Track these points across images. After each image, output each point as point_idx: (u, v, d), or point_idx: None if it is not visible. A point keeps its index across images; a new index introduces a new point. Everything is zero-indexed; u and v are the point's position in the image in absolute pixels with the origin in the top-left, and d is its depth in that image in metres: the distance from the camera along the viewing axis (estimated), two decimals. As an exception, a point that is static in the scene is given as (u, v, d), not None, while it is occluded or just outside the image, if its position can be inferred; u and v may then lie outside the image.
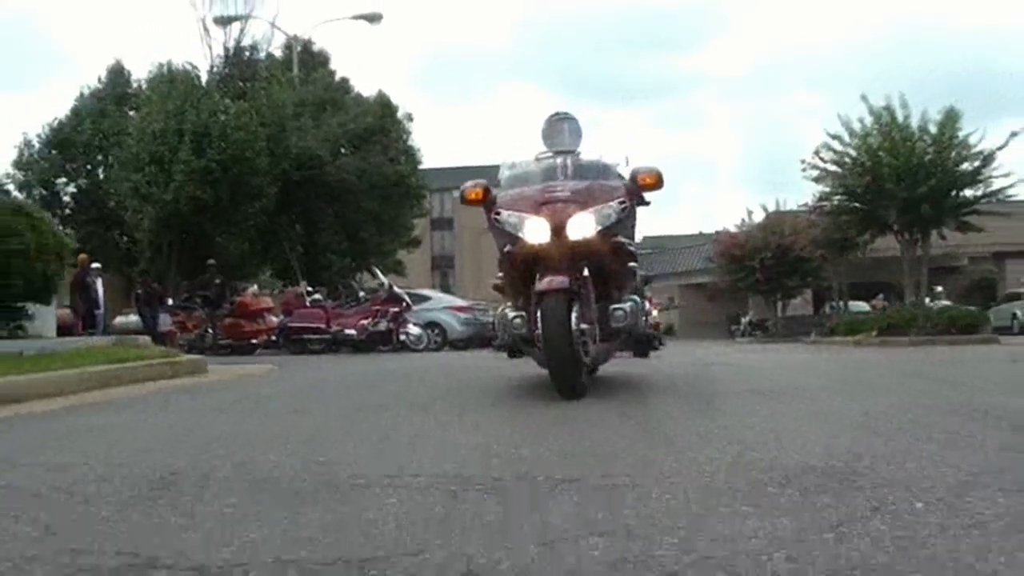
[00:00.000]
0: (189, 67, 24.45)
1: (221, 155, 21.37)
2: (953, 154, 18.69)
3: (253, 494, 2.46)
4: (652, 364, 8.29)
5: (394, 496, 2.36)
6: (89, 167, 26.32)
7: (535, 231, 5.15)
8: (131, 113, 25.70)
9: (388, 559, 1.73)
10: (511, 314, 5.40)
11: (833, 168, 20.30)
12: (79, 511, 2.31)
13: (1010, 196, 20.16)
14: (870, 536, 1.83)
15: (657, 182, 5.53)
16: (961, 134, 19.12)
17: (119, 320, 21.29)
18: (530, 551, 1.77)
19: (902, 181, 18.01)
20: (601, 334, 5.38)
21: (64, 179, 26.04)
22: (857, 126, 19.47)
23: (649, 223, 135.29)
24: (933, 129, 19.13)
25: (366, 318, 18.42)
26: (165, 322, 18.39)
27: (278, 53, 29.46)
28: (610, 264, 5.37)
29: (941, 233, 20.08)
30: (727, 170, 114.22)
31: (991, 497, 2.17)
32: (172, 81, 23.06)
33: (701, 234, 54.94)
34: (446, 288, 49.68)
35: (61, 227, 17.68)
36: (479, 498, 2.32)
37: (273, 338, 19.58)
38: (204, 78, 24.71)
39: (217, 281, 19.39)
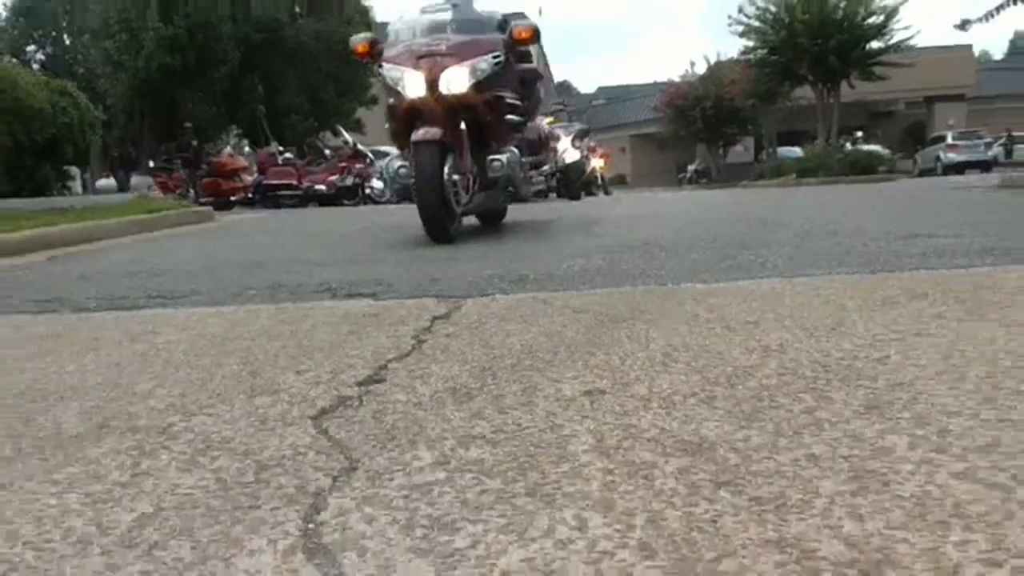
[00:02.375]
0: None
1: (186, 21, 22.64)
2: (860, 10, 20.59)
3: (313, 268, 4.64)
4: (576, 207, 10.43)
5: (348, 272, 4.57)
6: (55, 33, 27.29)
7: (412, 85, 5.37)
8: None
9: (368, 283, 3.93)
10: (396, 163, 5.65)
11: (756, 24, 22.16)
12: (220, 276, 4.48)
13: (913, 46, 22.22)
14: (637, 260, 4.06)
15: (532, 36, 5.70)
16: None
17: (101, 183, 22.95)
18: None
19: (815, 36, 20.00)
20: (481, 183, 5.69)
21: (33, 46, 27.04)
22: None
23: (608, 73, 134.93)
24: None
25: (334, 174, 20.27)
26: (140, 183, 19.98)
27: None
28: (485, 116, 5.54)
29: (850, 83, 22.20)
30: (693, 18, 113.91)
31: (701, 248, 4.42)
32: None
33: (655, 84, 55.71)
34: (404, 143, 50.99)
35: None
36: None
37: (250, 195, 21.35)
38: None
39: (193, 143, 20.97)
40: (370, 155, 20.69)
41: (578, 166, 11.00)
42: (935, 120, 40.51)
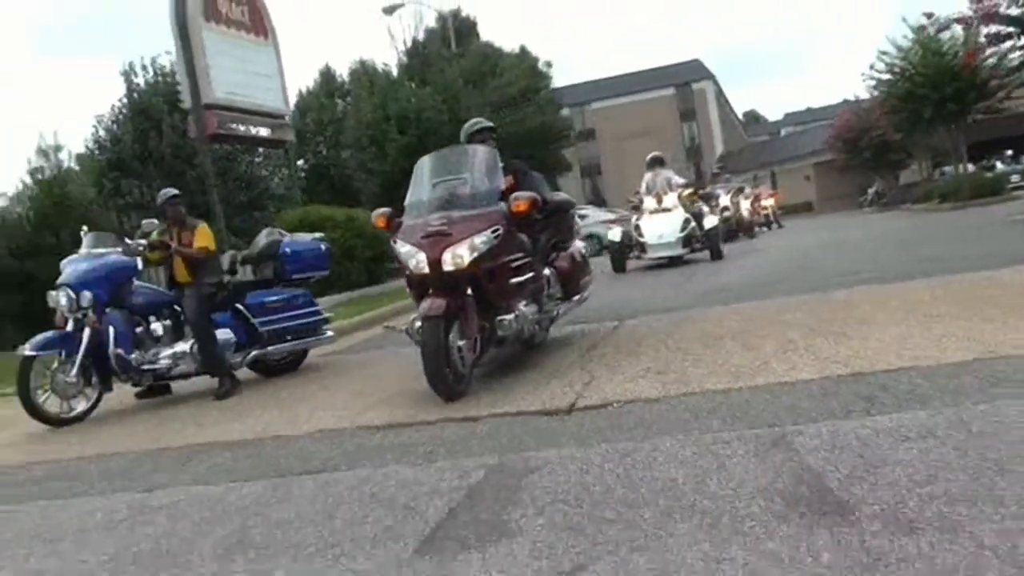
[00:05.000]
0: (383, 65, 31.97)
1: (418, 132, 28.76)
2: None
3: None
4: (714, 264, 14.78)
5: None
6: (315, 151, 34.44)
7: (418, 263, 5.71)
8: (338, 102, 33.54)
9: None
10: (417, 324, 5.68)
11: (886, 76, 25.81)
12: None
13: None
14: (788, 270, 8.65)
15: (528, 208, 5.97)
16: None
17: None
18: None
19: (933, 86, 23.47)
20: (492, 339, 5.95)
21: (301, 160, 34.27)
22: (904, 43, 25.00)
23: (794, 95, 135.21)
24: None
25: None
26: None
27: (431, 21, 36.62)
28: (488, 285, 5.79)
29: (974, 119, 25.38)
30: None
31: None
32: (372, 82, 30.56)
33: (845, 102, 56.29)
34: (596, 193, 56.59)
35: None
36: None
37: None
38: (395, 71, 32.16)
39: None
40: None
41: (717, 230, 14.56)
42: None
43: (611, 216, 29.99)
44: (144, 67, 22.14)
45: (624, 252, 14.74)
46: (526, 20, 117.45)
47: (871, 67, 26.06)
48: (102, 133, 22.29)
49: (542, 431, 4.17)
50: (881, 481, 2.68)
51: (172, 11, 14.33)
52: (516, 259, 6.13)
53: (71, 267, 7.49)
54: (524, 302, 6.17)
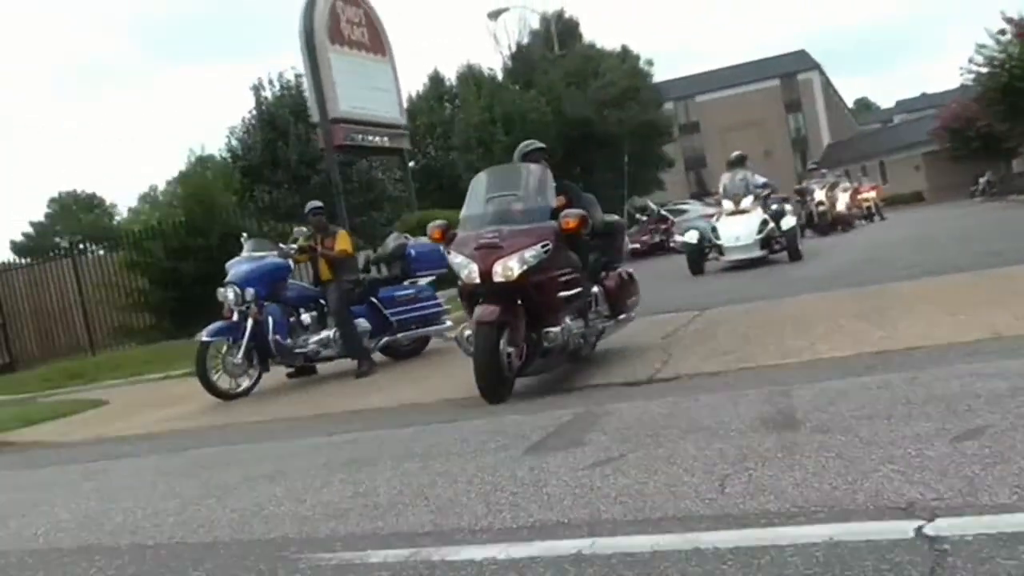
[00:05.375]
0: (488, 69, 33.48)
1: (523, 132, 30.10)
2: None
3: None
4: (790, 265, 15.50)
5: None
6: (425, 152, 36.19)
7: (470, 273, 5.98)
8: (447, 106, 35.19)
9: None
10: (467, 332, 5.96)
11: (985, 70, 25.82)
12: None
13: None
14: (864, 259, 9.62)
15: (578, 225, 6.19)
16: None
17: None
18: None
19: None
20: (538, 351, 6.09)
21: (412, 162, 36.06)
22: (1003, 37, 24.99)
23: (908, 81, 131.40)
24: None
25: (645, 235, 26.47)
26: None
27: (535, 23, 37.93)
28: (536, 297, 5.99)
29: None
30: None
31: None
32: (479, 86, 32.08)
33: (963, 87, 54.92)
34: (700, 185, 56.99)
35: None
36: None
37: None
38: (500, 75, 33.62)
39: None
40: (671, 217, 26.69)
41: (795, 231, 14.44)
42: None
43: (711, 210, 30.64)
44: (271, 81, 24.13)
45: (701, 254, 14.50)
46: (629, 15, 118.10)
47: (969, 60, 26.15)
48: (235, 143, 24.41)
49: (622, 394, 5.35)
50: (830, 411, 3.92)
51: (301, 35, 15.96)
52: (564, 274, 6.29)
53: (236, 268, 8.98)
54: (570, 316, 6.28)
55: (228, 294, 8.71)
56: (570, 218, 6.22)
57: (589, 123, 32.36)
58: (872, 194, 30.99)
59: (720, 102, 64.50)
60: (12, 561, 3.77)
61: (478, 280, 6.00)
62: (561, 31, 37.83)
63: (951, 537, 2.28)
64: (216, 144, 61.40)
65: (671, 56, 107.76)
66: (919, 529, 2.37)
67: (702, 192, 50.89)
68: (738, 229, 14.05)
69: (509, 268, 5.93)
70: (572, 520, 2.98)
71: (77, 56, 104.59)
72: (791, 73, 65.71)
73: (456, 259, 6.22)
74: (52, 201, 70.34)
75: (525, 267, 5.94)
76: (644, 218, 27.67)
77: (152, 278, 17.08)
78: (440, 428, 5.15)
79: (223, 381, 8.58)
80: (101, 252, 20.31)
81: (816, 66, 67.13)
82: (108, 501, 4.70)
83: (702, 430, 3.96)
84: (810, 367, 5.22)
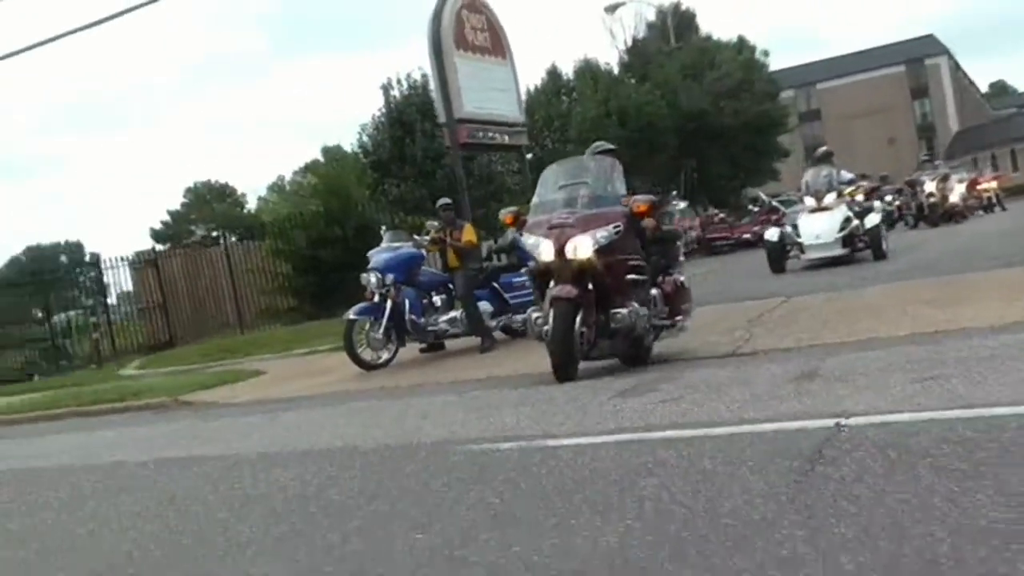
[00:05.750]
0: (605, 64, 34.41)
1: (638, 125, 30.92)
2: None
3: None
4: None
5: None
6: (543, 145, 37.34)
7: (544, 251, 6.19)
8: (564, 99, 36.27)
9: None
10: (535, 315, 6.24)
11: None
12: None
13: None
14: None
15: (648, 210, 6.40)
16: None
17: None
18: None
19: None
20: (607, 331, 6.30)
21: (530, 155, 37.33)
22: None
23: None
24: None
25: (756, 226, 26.94)
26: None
27: (651, 16, 38.57)
28: (607, 277, 6.19)
29: None
30: None
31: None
32: (595, 80, 33.03)
33: None
34: (821, 178, 56.06)
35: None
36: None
37: (693, 246, 28.82)
38: (616, 69, 34.49)
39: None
40: (782, 208, 27.08)
41: (879, 229, 13.83)
42: None
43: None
44: (399, 81, 25.75)
45: (782, 252, 14.01)
46: (748, 3, 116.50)
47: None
48: (365, 139, 26.18)
49: (701, 364, 6.41)
50: (847, 369, 5.06)
51: (430, 43, 17.29)
52: (632, 259, 6.45)
53: (377, 256, 10.34)
54: (637, 301, 6.37)
55: (371, 279, 10.06)
56: (640, 202, 6.45)
57: (705, 115, 32.88)
58: (992, 184, 30.48)
59: (842, 89, 63.37)
60: (252, 458, 5.38)
61: (552, 257, 6.23)
62: (677, 23, 38.35)
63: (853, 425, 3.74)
64: (339, 134, 63.91)
65: (792, 43, 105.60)
66: (837, 423, 3.79)
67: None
68: (819, 227, 13.62)
69: (581, 246, 6.15)
70: (636, 426, 4.43)
71: (206, 51, 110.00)
72: (918, 59, 63.96)
73: (530, 240, 6.47)
74: (187, 191, 73.44)
75: (597, 246, 6.16)
76: (756, 209, 28.10)
77: (295, 265, 18.92)
78: (546, 388, 6.28)
79: (366, 354, 9.93)
80: (247, 242, 22.34)
81: (945, 51, 65.12)
82: (293, 432, 6.18)
83: (749, 383, 5.17)
84: (860, 343, 6.12)
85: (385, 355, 10.06)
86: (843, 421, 3.80)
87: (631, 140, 30.76)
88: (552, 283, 6.25)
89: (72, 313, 24.55)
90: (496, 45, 18.83)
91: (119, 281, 22.02)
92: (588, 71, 34.59)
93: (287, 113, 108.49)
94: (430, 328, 10.24)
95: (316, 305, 17.69)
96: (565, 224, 6.31)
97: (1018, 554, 2.16)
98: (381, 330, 9.92)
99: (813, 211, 13.97)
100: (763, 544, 2.51)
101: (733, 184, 34.38)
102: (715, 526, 2.72)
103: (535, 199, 7.01)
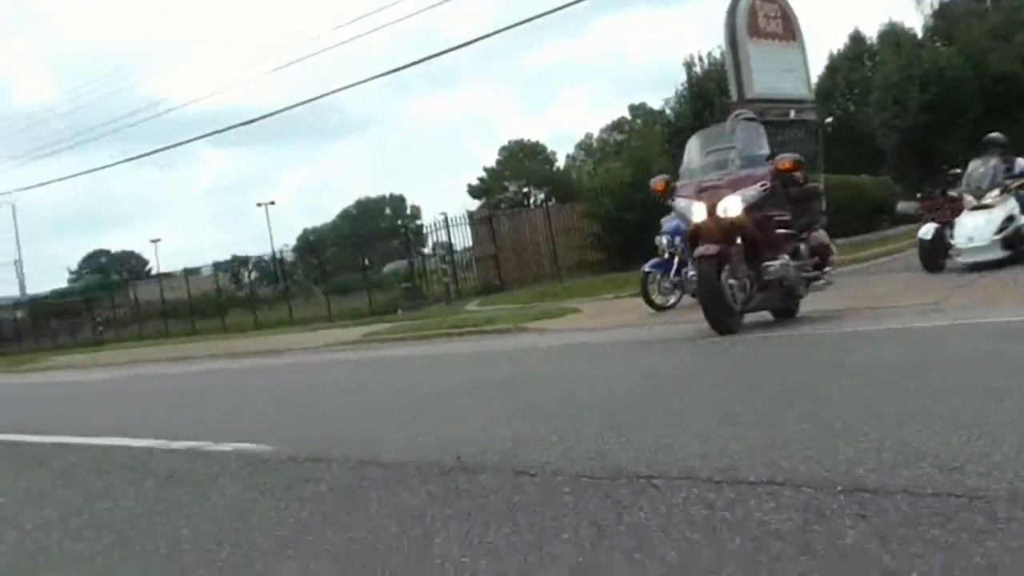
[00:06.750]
0: (909, 28, 34.61)
1: (940, 90, 31.08)
2: None
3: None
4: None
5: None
6: (844, 107, 38.05)
7: (696, 212, 6.45)
8: (867, 63, 36.73)
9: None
10: (690, 273, 6.58)
11: None
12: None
13: None
14: None
15: (793, 167, 6.52)
16: None
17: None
18: None
19: None
20: (759, 285, 6.47)
21: (829, 118, 38.21)
22: None
23: None
24: None
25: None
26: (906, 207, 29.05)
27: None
28: (757, 233, 6.32)
29: None
30: None
31: None
32: (899, 44, 33.37)
33: None
34: None
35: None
36: None
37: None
38: (920, 33, 34.57)
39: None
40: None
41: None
42: None
43: None
44: (700, 59, 28.26)
45: (936, 252, 12.30)
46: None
47: None
48: (668, 111, 29.02)
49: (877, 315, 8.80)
50: (886, 334, 6.50)
51: (726, 32, 19.77)
52: (780, 215, 6.73)
53: (668, 223, 13.29)
54: (788, 253, 6.71)
55: (662, 240, 13.05)
56: (786, 160, 6.79)
57: (1015, 78, 32.19)
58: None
59: None
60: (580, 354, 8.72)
61: (705, 217, 6.59)
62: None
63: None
64: (644, 93, 65.29)
65: None
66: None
67: None
68: (973, 227, 11.77)
69: (733, 205, 6.49)
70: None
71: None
72: None
73: (681, 203, 6.89)
74: (502, 148, 76.55)
75: (746, 204, 6.49)
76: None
77: (604, 225, 22.37)
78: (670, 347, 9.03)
79: (657, 298, 12.90)
80: (566, 203, 26.12)
81: None
82: (605, 348, 9.43)
83: (799, 342, 7.04)
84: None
85: (672, 299, 12.92)
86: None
87: (931, 103, 31.10)
88: (700, 243, 6.76)
89: (430, 257, 29.62)
90: (787, 30, 20.84)
91: (461, 235, 26.79)
92: (892, 35, 34.90)
93: (599, 68, 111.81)
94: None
95: (621, 259, 20.91)
96: (716, 186, 6.76)
97: None
98: (669, 280, 12.91)
99: (973, 209, 12.05)
100: None
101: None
102: None
103: (683, 166, 7.56)
